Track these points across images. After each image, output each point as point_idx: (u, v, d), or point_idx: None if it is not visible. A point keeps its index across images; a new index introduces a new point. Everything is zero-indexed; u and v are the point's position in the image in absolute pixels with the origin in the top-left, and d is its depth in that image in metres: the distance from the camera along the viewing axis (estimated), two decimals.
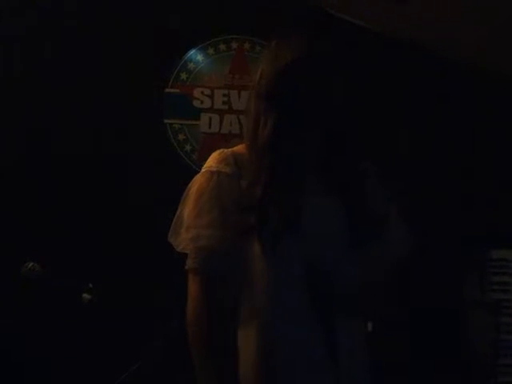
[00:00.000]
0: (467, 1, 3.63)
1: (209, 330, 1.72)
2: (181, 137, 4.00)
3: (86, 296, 2.96)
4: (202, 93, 4.08)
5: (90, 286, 2.98)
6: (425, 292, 3.79)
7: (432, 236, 3.73)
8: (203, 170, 1.82)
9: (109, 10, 3.98)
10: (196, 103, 4.07)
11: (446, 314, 3.82)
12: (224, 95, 4.09)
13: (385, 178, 1.87)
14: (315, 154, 1.81)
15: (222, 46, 4.13)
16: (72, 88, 3.88)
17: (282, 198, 1.72)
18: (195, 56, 4.10)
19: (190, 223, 1.76)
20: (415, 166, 4.04)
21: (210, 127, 4.06)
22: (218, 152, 1.84)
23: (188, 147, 4.00)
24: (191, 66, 4.08)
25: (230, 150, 1.85)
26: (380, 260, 1.82)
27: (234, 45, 4.15)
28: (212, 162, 1.82)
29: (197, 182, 1.81)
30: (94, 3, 3.98)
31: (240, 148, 1.86)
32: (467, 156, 4.17)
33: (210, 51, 4.12)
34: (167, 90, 4.04)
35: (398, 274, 1.87)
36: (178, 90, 4.05)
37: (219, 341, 1.72)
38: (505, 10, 3.59)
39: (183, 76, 4.07)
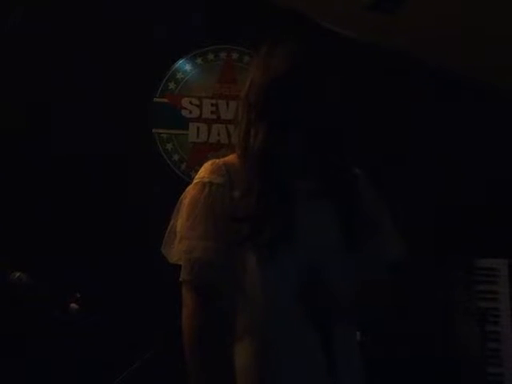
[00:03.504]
0: (455, 12, 3.66)
1: (204, 341, 1.71)
2: (169, 146, 4.00)
3: (73, 306, 2.95)
4: (191, 102, 4.08)
5: (78, 295, 2.97)
6: (412, 301, 3.79)
7: (419, 245, 3.74)
8: (195, 181, 1.81)
9: (97, 20, 3.98)
10: (184, 113, 4.07)
11: (433, 322, 3.83)
12: (212, 105, 4.09)
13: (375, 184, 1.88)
14: (307, 161, 1.81)
15: (211, 56, 4.14)
16: (60, 98, 3.87)
17: (277, 207, 1.71)
18: (183, 66, 4.10)
19: (184, 235, 1.75)
20: (402, 173, 4.05)
21: (198, 137, 4.05)
22: (209, 162, 1.83)
23: (176, 157, 4.00)
24: (179, 75, 4.09)
25: (221, 160, 1.84)
26: (376, 263, 1.81)
27: (223, 55, 4.16)
28: (204, 172, 1.81)
29: (189, 193, 1.80)
30: (82, 13, 3.98)
31: (231, 158, 1.86)
32: (455, 163, 4.19)
33: (199, 61, 4.12)
34: (155, 99, 4.04)
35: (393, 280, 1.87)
36: (166, 100, 4.05)
37: (215, 352, 1.71)
38: (491, 21, 3.62)
39: (171, 86, 4.07)
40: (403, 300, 3.74)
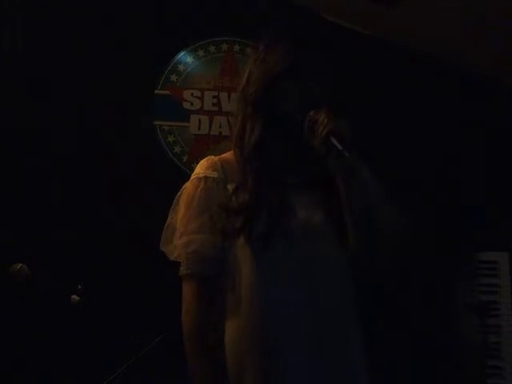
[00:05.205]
0: (455, 3, 3.65)
1: (204, 333, 1.74)
2: (170, 138, 4.00)
3: (75, 297, 2.96)
4: (192, 94, 4.08)
5: (79, 287, 2.98)
6: (413, 294, 3.80)
7: (420, 238, 3.73)
8: (192, 178, 1.86)
9: (99, 12, 3.97)
10: (186, 105, 4.06)
11: (434, 315, 3.83)
12: (214, 97, 4.09)
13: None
14: (301, 156, 1.83)
15: (212, 48, 4.14)
16: (62, 89, 3.87)
17: (269, 200, 1.73)
18: (185, 58, 4.10)
19: (182, 230, 1.79)
20: (401, 167, 4.04)
21: (199, 129, 4.05)
22: (205, 159, 1.89)
23: (178, 149, 3.99)
24: (181, 67, 4.08)
25: (217, 156, 1.89)
26: (373, 235, 1.77)
27: (224, 47, 4.15)
28: (200, 168, 1.86)
29: (186, 190, 1.85)
30: (82, 5, 3.97)
31: (228, 154, 1.90)
32: (453, 156, 4.19)
33: (200, 53, 4.12)
34: (157, 91, 4.03)
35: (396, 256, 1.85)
36: (167, 92, 4.05)
37: (215, 345, 1.73)
38: (492, 12, 3.62)
39: (173, 78, 4.07)
40: (404, 292, 3.76)
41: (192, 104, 4.07)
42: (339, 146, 1.64)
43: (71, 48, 3.91)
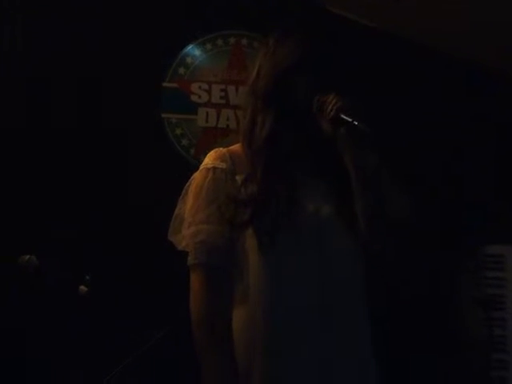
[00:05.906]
0: None
1: (212, 322, 1.75)
2: (178, 131, 4.02)
3: (83, 288, 2.98)
4: (200, 87, 4.09)
5: (87, 278, 2.99)
6: (418, 287, 3.81)
7: (426, 231, 3.74)
8: (200, 168, 1.87)
9: (106, 4, 3.98)
10: (193, 98, 4.08)
11: (440, 309, 3.84)
12: (221, 90, 4.10)
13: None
14: (311, 149, 1.84)
15: (220, 42, 4.14)
16: (69, 83, 3.88)
17: (278, 192, 1.74)
18: (193, 51, 4.11)
19: (191, 220, 1.80)
20: (406, 161, 4.04)
21: (207, 122, 4.07)
22: (214, 151, 1.90)
23: (185, 141, 4.01)
24: (189, 60, 4.10)
25: (225, 148, 1.90)
26: (383, 219, 1.77)
27: (232, 40, 4.16)
28: (208, 159, 1.87)
29: (194, 180, 1.86)
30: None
31: (236, 147, 1.91)
32: (459, 150, 4.19)
33: (208, 46, 4.13)
34: (165, 84, 4.05)
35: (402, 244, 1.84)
36: (175, 85, 4.06)
37: (223, 334, 1.75)
38: (499, 6, 3.62)
39: (181, 71, 4.08)
40: (409, 285, 3.77)
41: (200, 97, 4.08)
42: (349, 119, 1.68)
43: (79, 41, 3.92)
